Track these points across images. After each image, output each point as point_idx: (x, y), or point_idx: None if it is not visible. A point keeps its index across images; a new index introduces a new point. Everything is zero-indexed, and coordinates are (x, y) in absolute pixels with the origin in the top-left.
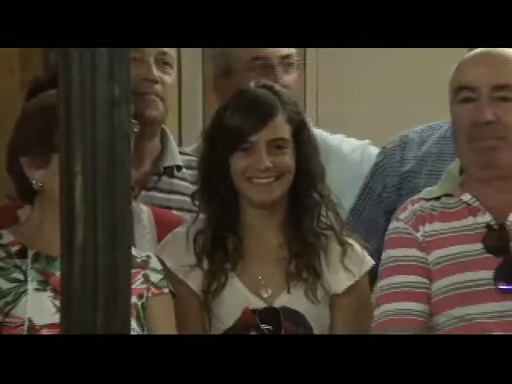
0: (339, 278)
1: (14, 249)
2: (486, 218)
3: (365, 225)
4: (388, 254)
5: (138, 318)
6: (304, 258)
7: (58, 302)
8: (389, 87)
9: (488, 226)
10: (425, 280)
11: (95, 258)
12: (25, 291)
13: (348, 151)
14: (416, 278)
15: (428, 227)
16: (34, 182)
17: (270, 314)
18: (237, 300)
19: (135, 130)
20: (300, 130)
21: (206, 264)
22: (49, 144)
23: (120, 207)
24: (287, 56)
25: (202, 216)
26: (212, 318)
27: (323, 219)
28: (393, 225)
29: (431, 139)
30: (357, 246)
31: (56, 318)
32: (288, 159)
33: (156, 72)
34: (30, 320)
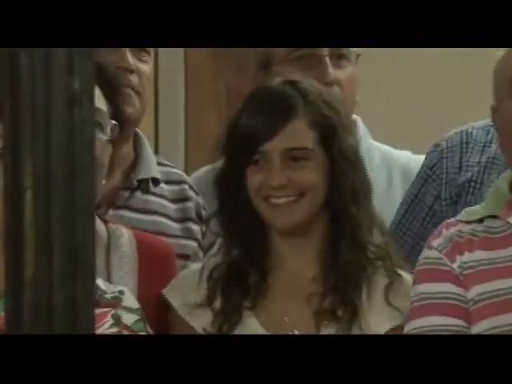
0: (381, 317)
1: None
2: None
3: (410, 245)
4: (417, 289)
5: None
6: (341, 292)
7: None
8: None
9: None
10: (461, 322)
11: (49, 295)
12: None
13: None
14: (450, 321)
15: (467, 257)
16: None
17: None
18: None
19: (112, 133)
20: (328, 138)
21: (218, 302)
22: None
23: (80, 230)
24: None
25: (220, 249)
26: None
27: (369, 246)
28: (424, 254)
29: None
30: (408, 279)
31: None
32: (310, 173)
33: (131, 59)
34: None
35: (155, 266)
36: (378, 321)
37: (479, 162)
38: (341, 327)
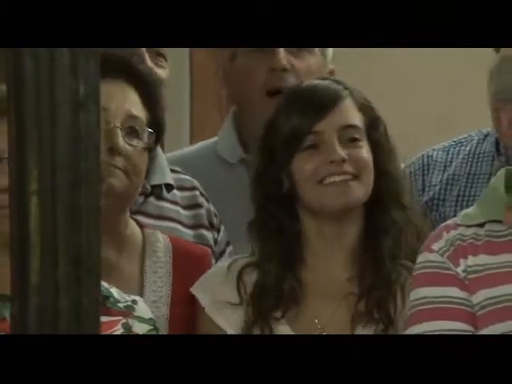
0: None
1: None
2: None
3: None
4: (419, 293)
5: None
6: (377, 293)
7: None
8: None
9: None
10: (469, 328)
11: (55, 299)
12: None
13: None
14: (458, 326)
15: (471, 261)
16: None
17: None
18: None
19: (148, 141)
20: (374, 125)
21: (249, 308)
22: None
23: (86, 235)
24: None
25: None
26: None
27: (405, 247)
28: (425, 257)
29: (459, 158)
30: None
31: None
32: (366, 153)
33: (150, 64)
34: None
35: (190, 271)
36: None
37: (441, 181)
38: (378, 331)
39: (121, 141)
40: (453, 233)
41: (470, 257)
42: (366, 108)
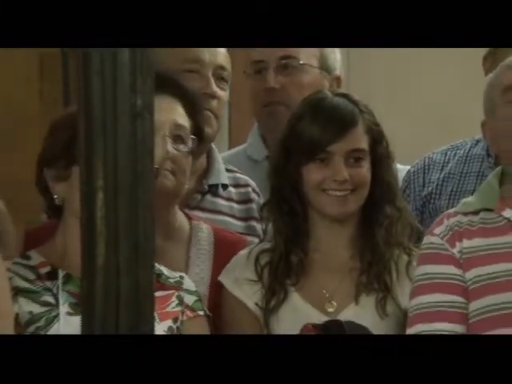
0: (406, 290)
1: (44, 270)
2: None
3: None
4: (423, 270)
5: None
6: (375, 268)
7: None
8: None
9: None
10: (462, 299)
11: (117, 279)
12: (57, 315)
13: None
14: (453, 298)
15: (466, 243)
16: (55, 195)
17: (333, 327)
18: (296, 316)
19: (192, 146)
20: (377, 142)
21: (266, 280)
22: (70, 156)
23: (142, 224)
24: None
25: (266, 240)
26: None
27: (396, 232)
28: (427, 240)
29: (454, 159)
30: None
31: None
32: (365, 172)
33: (214, 87)
34: None
35: (228, 256)
36: (404, 293)
37: (438, 178)
38: (378, 299)
39: (169, 147)
40: (452, 220)
41: (465, 240)
42: (372, 129)
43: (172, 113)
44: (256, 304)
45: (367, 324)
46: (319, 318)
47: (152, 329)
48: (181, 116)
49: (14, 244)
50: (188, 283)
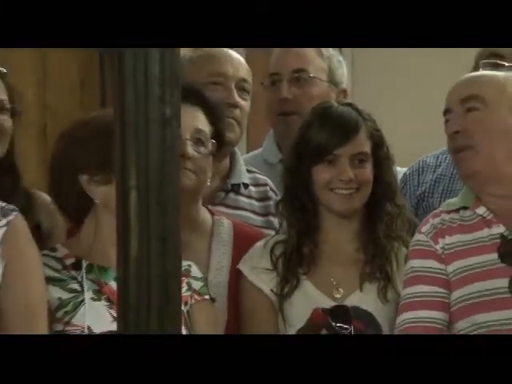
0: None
1: (69, 261)
2: (501, 229)
3: None
4: (410, 264)
5: (186, 324)
6: (377, 260)
7: (113, 311)
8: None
9: (502, 236)
10: (443, 290)
11: (148, 268)
12: (82, 301)
13: None
14: (435, 289)
15: (448, 240)
16: (96, 198)
17: (340, 312)
18: (307, 301)
19: (212, 149)
20: (379, 146)
21: (280, 269)
22: (111, 162)
23: (170, 220)
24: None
25: (281, 232)
26: (286, 320)
27: (396, 226)
28: (416, 237)
29: (445, 162)
30: None
31: (113, 327)
32: (368, 173)
33: (237, 98)
34: (89, 328)
35: (247, 247)
36: (403, 281)
37: (431, 179)
38: (380, 287)
39: (190, 149)
40: (437, 219)
41: (447, 237)
42: (373, 135)
43: (193, 119)
44: (271, 290)
45: (370, 308)
46: (328, 303)
47: (179, 310)
48: (201, 122)
49: (64, 238)
50: (195, 271)
